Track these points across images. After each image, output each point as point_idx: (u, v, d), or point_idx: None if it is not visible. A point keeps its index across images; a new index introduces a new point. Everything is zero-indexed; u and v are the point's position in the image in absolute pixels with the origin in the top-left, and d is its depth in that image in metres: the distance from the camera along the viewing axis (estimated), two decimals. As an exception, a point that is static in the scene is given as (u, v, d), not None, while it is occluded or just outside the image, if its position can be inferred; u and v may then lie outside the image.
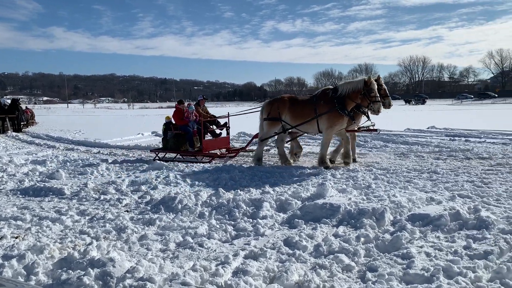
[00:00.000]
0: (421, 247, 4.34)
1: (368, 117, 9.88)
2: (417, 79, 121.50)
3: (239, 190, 7.03)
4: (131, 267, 3.85)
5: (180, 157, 11.79)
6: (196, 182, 8.09)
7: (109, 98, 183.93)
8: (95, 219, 5.80)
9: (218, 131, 12.70)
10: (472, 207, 5.55)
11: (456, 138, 14.08)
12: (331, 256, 4.18)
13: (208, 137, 12.23)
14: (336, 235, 4.84)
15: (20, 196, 7.40)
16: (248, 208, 5.96)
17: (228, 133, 12.86)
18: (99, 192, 7.43)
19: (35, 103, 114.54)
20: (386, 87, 9.85)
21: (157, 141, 16.71)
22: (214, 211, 5.95)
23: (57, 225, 5.51)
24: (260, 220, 5.47)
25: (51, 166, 10.43)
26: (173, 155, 11.91)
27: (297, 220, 5.42)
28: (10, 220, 5.74)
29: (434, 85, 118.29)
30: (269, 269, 3.91)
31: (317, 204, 5.79)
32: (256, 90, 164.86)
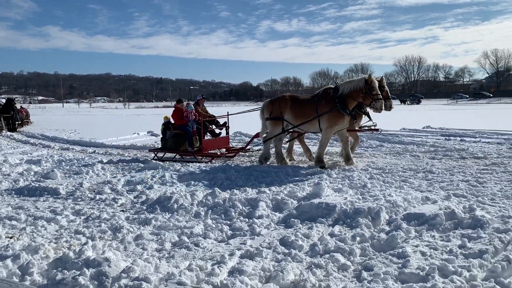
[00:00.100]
0: (416, 246, 4.36)
1: (369, 117, 9.85)
2: (412, 79, 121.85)
3: (235, 190, 7.03)
4: (126, 267, 3.84)
5: (179, 157, 11.72)
6: (192, 182, 8.08)
7: (105, 98, 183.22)
8: (91, 219, 5.78)
9: (217, 131, 12.64)
10: (467, 206, 5.58)
11: (452, 137, 14.14)
12: (327, 255, 4.19)
13: (208, 137, 12.16)
14: (332, 235, 4.85)
15: (15, 196, 7.36)
16: (244, 208, 5.96)
17: (227, 133, 12.79)
18: (94, 191, 7.41)
19: (30, 103, 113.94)
20: (388, 89, 9.82)
21: (153, 141, 16.70)
22: (210, 210, 5.95)
23: (52, 225, 5.49)
24: (256, 220, 5.47)
25: (46, 166, 10.39)
26: (172, 155, 11.83)
27: (293, 219, 5.43)
28: (4, 220, 5.71)
29: (429, 85, 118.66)
30: (265, 268, 3.91)
31: (313, 203, 5.80)
32: (252, 89, 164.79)
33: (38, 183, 8.09)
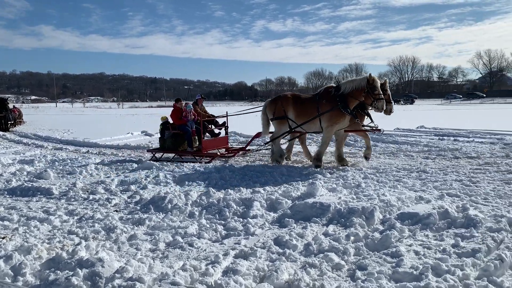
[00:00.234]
0: (410, 245, 4.37)
1: (370, 118, 9.82)
2: (406, 79, 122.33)
3: (229, 190, 7.02)
4: (120, 267, 3.82)
5: (178, 157, 11.59)
6: (186, 182, 8.06)
7: (99, 97, 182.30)
8: (84, 219, 5.75)
9: (216, 131, 12.55)
10: (460, 205, 5.61)
11: (445, 137, 14.22)
12: (321, 255, 4.19)
13: (207, 136, 12.06)
14: (326, 234, 4.86)
15: (7, 196, 7.31)
16: (238, 208, 5.96)
17: (226, 133, 12.69)
18: (88, 192, 7.37)
19: (23, 102, 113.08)
20: (390, 93, 9.80)
21: (147, 141, 16.65)
22: (204, 210, 5.94)
23: (45, 225, 5.45)
24: (250, 220, 5.47)
25: (39, 166, 10.32)
26: (170, 155, 11.71)
27: (287, 219, 5.43)
28: (-3, 220, 5.66)
29: (423, 85, 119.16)
30: (259, 268, 3.91)
31: (307, 203, 5.80)
32: (247, 89, 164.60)
33: (31, 183, 8.04)
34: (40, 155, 12.33)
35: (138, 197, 6.85)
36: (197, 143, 11.60)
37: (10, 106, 28.09)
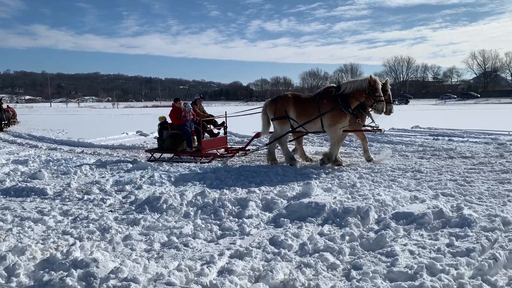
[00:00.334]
0: (405, 245, 4.39)
1: (371, 117, 9.78)
2: (401, 79, 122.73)
3: (225, 190, 7.01)
4: (115, 267, 3.81)
5: (177, 157, 11.49)
6: (182, 182, 8.05)
7: (93, 97, 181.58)
8: (79, 219, 5.73)
9: (215, 131, 12.49)
10: (455, 205, 5.64)
11: (440, 137, 14.28)
12: (316, 254, 4.19)
13: (206, 137, 11.95)
14: (321, 234, 4.86)
15: (1, 196, 7.25)
16: (233, 208, 5.95)
17: (225, 133, 12.62)
18: (82, 192, 7.34)
19: (17, 102, 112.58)
20: (391, 93, 9.79)
21: (142, 141, 16.61)
22: (200, 210, 5.92)
23: (39, 226, 5.42)
24: (245, 220, 5.46)
25: (33, 166, 10.26)
26: (168, 155, 11.62)
27: (282, 219, 5.43)
28: (-10, 221, 5.62)
29: (418, 85, 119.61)
30: (254, 268, 3.91)
31: (303, 203, 5.81)
32: (242, 89, 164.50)
33: (25, 183, 7.99)
34: (34, 155, 12.26)
35: (133, 197, 6.83)
36: (196, 143, 11.53)
37: (4, 106, 27.93)
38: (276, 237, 4.70)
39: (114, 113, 52.10)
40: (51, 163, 10.66)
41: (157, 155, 11.71)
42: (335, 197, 6.28)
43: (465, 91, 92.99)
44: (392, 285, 3.49)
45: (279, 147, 10.69)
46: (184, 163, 10.46)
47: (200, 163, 10.60)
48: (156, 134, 18.64)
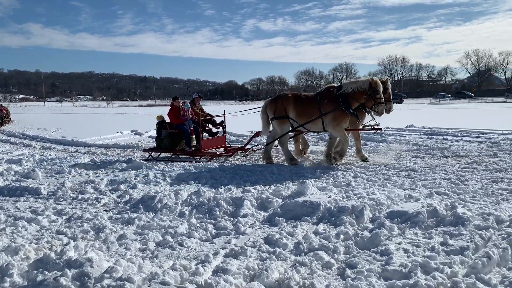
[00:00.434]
0: (399, 243, 4.40)
1: (373, 116, 9.73)
2: (396, 79, 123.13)
3: (219, 189, 7.01)
4: (109, 267, 3.79)
5: (176, 156, 11.38)
6: (176, 181, 8.03)
7: (88, 96, 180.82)
8: (73, 219, 5.70)
9: (214, 130, 12.43)
10: (449, 204, 5.67)
11: (434, 136, 14.35)
12: (311, 253, 4.20)
13: (204, 136, 11.86)
14: (316, 233, 4.87)
15: (-5, 196, 7.20)
16: (228, 207, 5.95)
17: (224, 132, 12.53)
18: (76, 191, 7.30)
19: (10, 101, 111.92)
20: (391, 92, 9.77)
21: (137, 140, 16.55)
22: (195, 210, 5.91)
23: (33, 226, 5.39)
24: (240, 219, 5.46)
25: (27, 166, 10.20)
26: (166, 154, 11.51)
27: (277, 218, 5.44)
28: (-17, 220, 5.58)
29: (412, 85, 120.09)
30: (249, 267, 3.91)
31: (298, 202, 5.81)
32: (237, 88, 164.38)
33: (19, 183, 7.94)
34: (28, 155, 12.19)
35: (127, 197, 6.80)
36: (195, 142, 11.45)
37: (-3, 105, 27.75)
38: (271, 236, 4.70)
39: (108, 112, 51.91)
40: (45, 162, 10.60)
41: (155, 154, 11.61)
42: (330, 196, 6.30)
43: (459, 91, 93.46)
44: (386, 284, 3.50)
45: (278, 146, 10.69)
46: (178, 162, 10.42)
47: (196, 162, 10.54)
48: (151, 133, 18.72)
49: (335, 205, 5.63)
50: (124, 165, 9.84)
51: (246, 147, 11.66)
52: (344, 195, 6.48)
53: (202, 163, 10.08)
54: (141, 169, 9.28)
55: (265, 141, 12.32)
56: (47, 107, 78.91)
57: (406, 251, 4.19)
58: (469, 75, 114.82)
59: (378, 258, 4.03)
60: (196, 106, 12.34)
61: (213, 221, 5.45)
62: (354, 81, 9.41)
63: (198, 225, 5.31)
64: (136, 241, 4.77)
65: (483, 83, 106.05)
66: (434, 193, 6.40)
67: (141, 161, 10.24)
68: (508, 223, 4.79)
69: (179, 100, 11.80)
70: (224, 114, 12.39)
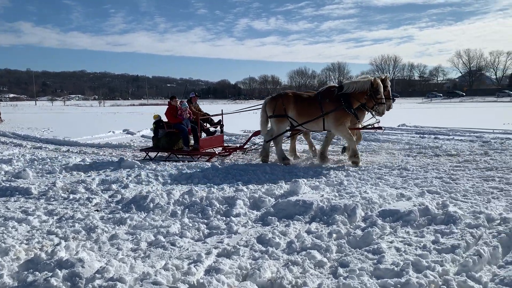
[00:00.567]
0: (391, 242, 4.42)
1: (373, 114, 9.75)
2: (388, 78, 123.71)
3: (212, 188, 6.99)
4: (101, 267, 3.77)
5: (174, 156, 11.26)
6: (169, 181, 8.00)
7: (79, 96, 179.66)
8: (64, 219, 5.65)
9: (212, 129, 12.35)
10: (440, 202, 5.70)
11: (426, 135, 14.45)
12: (304, 252, 4.20)
13: (203, 135, 11.77)
14: (308, 232, 4.87)
15: (-16, 196, 7.12)
16: (221, 206, 5.93)
17: (222, 131, 12.44)
18: (68, 191, 7.25)
19: (0, 100, 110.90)
20: (390, 90, 9.77)
21: (129, 139, 16.48)
22: (187, 209, 5.89)
23: (23, 226, 5.34)
24: (233, 218, 5.45)
25: (17, 165, 10.10)
26: (162, 154, 11.40)
27: (270, 217, 5.43)
28: (-27, 221, 5.52)
29: (405, 84, 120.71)
30: (242, 266, 3.90)
31: (290, 201, 5.82)
32: (230, 87, 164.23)
33: (9, 183, 7.86)
34: (19, 154, 12.06)
35: (119, 196, 6.76)
36: (193, 142, 11.38)
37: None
38: (264, 236, 4.70)
39: (100, 111, 51.61)
40: (36, 162, 10.51)
41: (152, 154, 11.50)
42: (322, 195, 6.31)
43: (450, 90, 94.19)
44: (378, 282, 3.51)
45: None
46: (171, 162, 10.38)
47: (195, 161, 10.48)
48: (143, 133, 18.65)
49: (327, 204, 5.64)
50: (116, 164, 9.78)
51: (244, 146, 11.60)
52: (337, 194, 6.50)
53: (194, 162, 10.04)
54: (133, 169, 9.23)
55: (260, 140, 12.35)
56: (38, 107, 78.29)
57: (398, 249, 4.21)
58: (460, 74, 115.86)
59: (370, 256, 4.05)
60: (193, 105, 12.25)
61: (205, 221, 5.44)
62: (355, 81, 9.40)
63: (190, 224, 5.29)
64: (128, 241, 4.75)
65: (474, 83, 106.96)
66: (425, 191, 6.43)
67: (133, 160, 10.16)
68: (498, 221, 4.83)
69: (177, 99, 11.68)
70: (222, 113, 12.31)
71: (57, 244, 4.50)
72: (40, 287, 3.48)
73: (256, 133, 11.54)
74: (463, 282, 3.42)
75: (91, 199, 6.65)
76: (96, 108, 70.01)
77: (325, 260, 4.04)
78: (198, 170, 8.83)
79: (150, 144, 14.05)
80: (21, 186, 7.43)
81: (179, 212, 5.82)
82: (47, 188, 7.34)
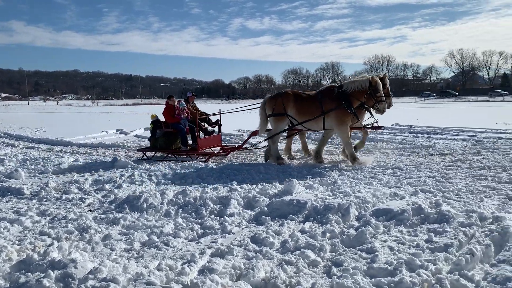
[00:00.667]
0: (384, 241, 4.43)
1: (371, 113, 9.77)
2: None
3: (206, 188, 6.98)
4: (94, 267, 3.74)
5: (171, 156, 11.15)
6: (162, 180, 7.97)
7: (72, 95, 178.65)
8: (57, 219, 5.61)
9: (210, 129, 12.28)
10: (433, 201, 5.73)
11: (419, 135, 14.51)
12: (298, 252, 4.20)
13: (201, 135, 11.65)
14: (302, 231, 4.88)
15: (-24, 196, 7.05)
16: (215, 206, 5.92)
17: (220, 131, 12.34)
18: (60, 191, 7.20)
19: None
20: (389, 87, 9.79)
21: (122, 139, 16.40)
22: (181, 209, 5.87)
23: (15, 226, 5.29)
24: (227, 218, 5.44)
25: (9, 165, 10.01)
26: (158, 154, 11.30)
27: (264, 217, 5.43)
28: (-36, 222, 5.46)
29: (398, 84, 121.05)
30: (235, 266, 3.90)
31: (284, 200, 5.82)
32: (224, 87, 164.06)
33: (1, 183, 7.79)
34: (11, 154, 11.96)
35: (112, 197, 6.73)
36: (191, 141, 11.31)
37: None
38: (258, 235, 4.70)
39: (93, 111, 51.35)
40: (28, 162, 10.43)
41: (150, 154, 11.38)
42: (316, 195, 6.32)
43: (443, 89, 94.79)
44: (372, 281, 3.52)
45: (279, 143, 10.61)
46: (165, 162, 10.34)
47: (194, 161, 10.43)
48: (137, 132, 18.58)
49: (321, 204, 5.65)
50: (109, 164, 9.73)
51: (243, 146, 11.58)
52: (331, 193, 6.51)
53: (188, 162, 10.01)
54: (126, 169, 9.19)
55: (256, 140, 12.34)
56: (31, 106, 77.74)
57: (391, 248, 4.22)
58: (453, 74, 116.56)
59: (364, 256, 4.06)
60: (190, 105, 12.17)
61: (199, 221, 5.42)
62: (354, 81, 9.41)
63: (184, 224, 5.28)
64: (121, 241, 4.72)
65: (467, 82, 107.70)
66: (419, 191, 6.46)
67: (127, 160, 10.10)
68: (491, 220, 4.86)
69: (174, 98, 11.57)
70: (220, 112, 12.25)
71: (50, 245, 4.47)
72: (32, 288, 3.45)
73: (254, 133, 11.53)
74: (455, 281, 3.43)
75: (84, 199, 6.61)
76: (89, 107, 69.63)
77: (319, 259, 4.04)
78: (192, 170, 8.80)
79: (143, 143, 14.02)
80: (13, 186, 7.38)
81: (173, 212, 5.80)
82: (39, 188, 7.29)
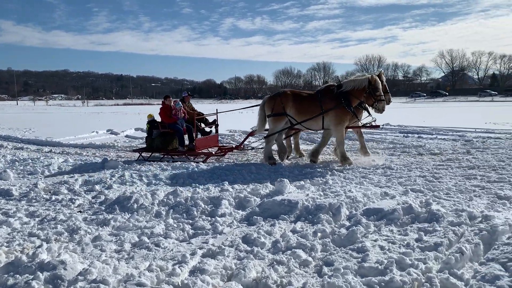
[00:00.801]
0: (375, 240, 4.45)
1: (369, 112, 9.76)
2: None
3: (197, 189, 6.95)
4: (83, 269, 3.71)
5: (168, 157, 11.04)
6: (153, 181, 7.93)
7: (62, 95, 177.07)
8: (46, 220, 5.56)
9: (207, 129, 12.22)
10: (423, 201, 5.77)
11: (410, 134, 14.60)
12: (289, 252, 4.21)
13: (198, 135, 11.56)
14: (294, 231, 4.88)
15: (-36, 198, 6.96)
16: (206, 206, 5.90)
17: (217, 131, 12.27)
18: (50, 192, 7.13)
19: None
20: (386, 84, 9.76)
21: (112, 139, 16.29)
22: (172, 210, 5.85)
23: (3, 228, 5.23)
24: (218, 218, 5.43)
25: (-2, 166, 9.90)
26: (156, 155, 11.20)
27: (255, 217, 5.43)
28: (-49, 223, 5.38)
29: (389, 84, 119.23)
30: (227, 267, 3.89)
31: (276, 200, 5.82)
32: (216, 87, 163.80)
33: (-11, 184, 7.70)
34: None
35: (102, 197, 6.68)
36: (187, 142, 11.21)
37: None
38: (249, 235, 4.69)
39: (84, 111, 50.94)
40: (17, 163, 10.32)
41: (146, 155, 11.28)
42: (307, 194, 6.33)
43: (434, 90, 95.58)
44: (363, 281, 3.53)
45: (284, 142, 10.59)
46: (156, 162, 10.28)
47: (192, 161, 10.38)
48: (127, 133, 18.47)
49: (312, 203, 5.66)
50: (100, 165, 9.67)
51: (241, 146, 11.53)
52: (322, 193, 6.52)
53: (179, 162, 9.97)
54: (116, 169, 9.13)
55: (253, 140, 12.32)
56: (20, 106, 76.92)
57: (382, 248, 4.24)
58: (443, 74, 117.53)
59: (355, 255, 4.07)
60: (186, 105, 12.10)
61: (190, 221, 5.41)
62: (353, 79, 9.40)
63: (175, 225, 5.25)
64: (111, 242, 4.69)
65: (457, 82, 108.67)
66: (409, 190, 6.50)
67: (117, 161, 10.04)
68: (480, 219, 4.91)
69: (171, 98, 11.44)
70: (217, 112, 12.20)
71: (39, 246, 4.43)
72: (21, 290, 3.41)
73: (251, 133, 11.49)
74: (445, 279, 3.46)
75: (73, 200, 6.55)
76: (79, 108, 69.08)
77: (310, 259, 4.05)
78: (183, 170, 8.77)
79: (134, 144, 13.94)
80: (1, 187, 7.30)
81: (164, 212, 5.77)
82: (28, 190, 7.21)
